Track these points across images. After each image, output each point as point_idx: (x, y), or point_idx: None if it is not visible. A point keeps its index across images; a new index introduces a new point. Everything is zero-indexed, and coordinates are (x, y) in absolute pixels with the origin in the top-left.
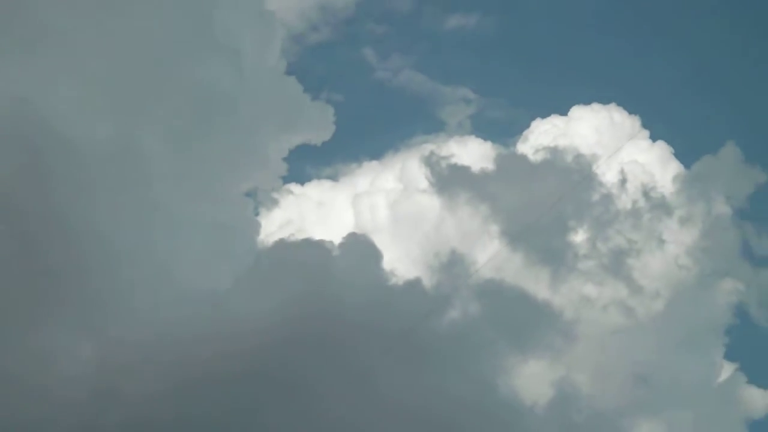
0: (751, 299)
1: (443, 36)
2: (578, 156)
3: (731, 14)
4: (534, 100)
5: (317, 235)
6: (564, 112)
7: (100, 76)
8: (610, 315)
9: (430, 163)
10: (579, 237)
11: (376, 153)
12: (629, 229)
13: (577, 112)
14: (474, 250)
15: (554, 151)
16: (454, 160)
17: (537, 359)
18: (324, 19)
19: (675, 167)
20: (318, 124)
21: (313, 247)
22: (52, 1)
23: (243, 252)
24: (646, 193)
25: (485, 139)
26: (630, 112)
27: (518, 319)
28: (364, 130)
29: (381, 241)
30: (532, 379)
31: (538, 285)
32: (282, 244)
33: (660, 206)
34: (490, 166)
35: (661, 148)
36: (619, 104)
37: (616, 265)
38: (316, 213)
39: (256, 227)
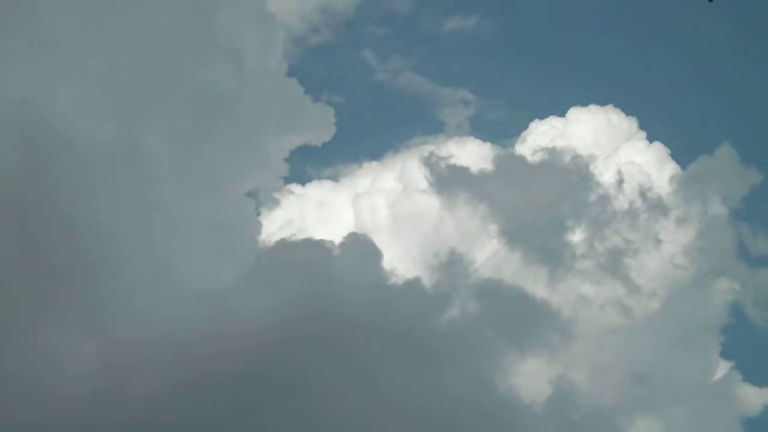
0: (746, 298)
1: (442, 38)
2: (576, 157)
3: (726, 18)
4: (532, 102)
5: (318, 234)
6: (562, 113)
7: (101, 77)
8: (608, 314)
9: (430, 163)
10: (576, 237)
11: (376, 154)
12: (626, 229)
13: (575, 113)
14: (473, 249)
15: (552, 152)
16: (453, 161)
17: (535, 357)
18: (324, 21)
19: (671, 168)
20: (319, 125)
21: (314, 247)
22: (54, 3)
23: (244, 252)
24: (642, 193)
25: (484, 140)
26: (627, 114)
27: (516, 318)
28: (365, 131)
29: (381, 241)
30: (531, 377)
31: (536, 284)
32: (283, 244)
33: (656, 206)
34: (488, 166)
35: (658, 149)
36: (616, 106)
37: (613, 264)
38: (316, 213)
39: (257, 227)
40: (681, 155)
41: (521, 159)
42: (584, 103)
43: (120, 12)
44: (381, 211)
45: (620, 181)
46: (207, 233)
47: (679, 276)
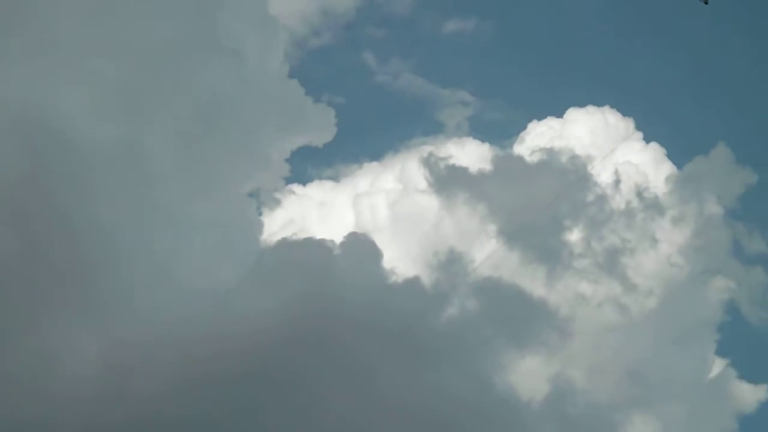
0: (742, 297)
1: (441, 40)
2: (573, 157)
3: (722, 20)
4: (530, 103)
5: (319, 234)
6: (560, 114)
7: (102, 78)
8: (605, 312)
9: (429, 163)
10: (574, 236)
11: (376, 154)
12: (623, 228)
13: (573, 114)
14: (472, 248)
15: (550, 152)
16: (452, 161)
17: (533, 355)
18: (325, 23)
19: (668, 168)
20: (319, 126)
21: (315, 247)
22: (54, 3)
23: (245, 251)
24: (639, 193)
25: (483, 140)
26: (624, 115)
27: (515, 317)
28: (365, 132)
29: (381, 241)
30: (529, 374)
31: (534, 283)
32: (284, 244)
33: (653, 206)
34: (487, 166)
35: (654, 150)
36: (613, 107)
37: (611, 263)
38: (317, 213)
39: (258, 227)
40: (677, 155)
41: (519, 159)
42: (582, 104)
43: (121, 13)
44: (381, 211)
45: (617, 181)
46: (208, 233)
47: (675, 274)
